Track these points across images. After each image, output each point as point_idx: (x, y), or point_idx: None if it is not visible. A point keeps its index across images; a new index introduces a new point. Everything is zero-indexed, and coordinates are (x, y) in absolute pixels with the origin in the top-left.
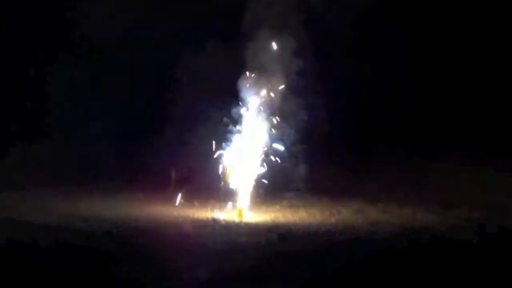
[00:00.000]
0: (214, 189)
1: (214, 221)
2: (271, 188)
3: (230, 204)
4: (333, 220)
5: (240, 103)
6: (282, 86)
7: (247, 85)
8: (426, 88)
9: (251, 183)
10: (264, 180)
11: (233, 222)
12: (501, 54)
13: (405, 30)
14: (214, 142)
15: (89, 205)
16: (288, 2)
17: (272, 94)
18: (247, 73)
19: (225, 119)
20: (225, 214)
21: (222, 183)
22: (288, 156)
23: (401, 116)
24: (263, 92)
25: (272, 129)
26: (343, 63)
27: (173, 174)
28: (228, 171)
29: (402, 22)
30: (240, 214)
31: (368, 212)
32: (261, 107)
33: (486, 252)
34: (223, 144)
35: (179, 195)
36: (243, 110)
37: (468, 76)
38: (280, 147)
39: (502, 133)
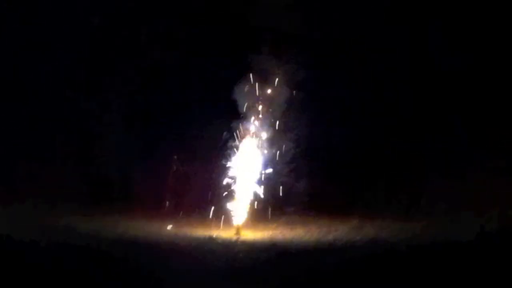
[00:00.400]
0: (212, 206)
1: (211, 239)
2: (268, 206)
3: (227, 221)
4: (331, 237)
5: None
6: (281, 100)
7: (247, 97)
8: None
9: (249, 201)
10: (261, 197)
11: (231, 240)
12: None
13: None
14: (213, 157)
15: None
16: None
17: (271, 109)
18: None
19: (225, 134)
20: (223, 231)
21: (220, 200)
22: (286, 172)
23: (401, 130)
24: (263, 105)
25: (270, 146)
26: (344, 76)
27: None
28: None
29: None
30: (237, 232)
31: (367, 229)
32: (259, 122)
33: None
34: (222, 160)
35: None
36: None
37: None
38: (274, 166)
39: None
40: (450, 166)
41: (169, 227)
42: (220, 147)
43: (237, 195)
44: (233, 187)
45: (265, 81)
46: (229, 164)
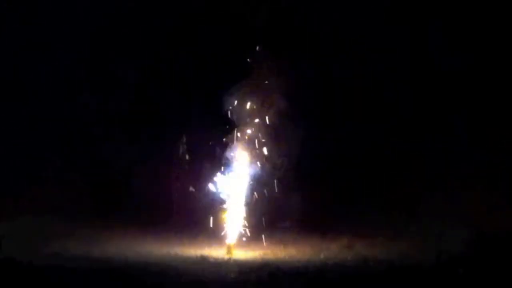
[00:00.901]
0: (203, 225)
1: (203, 258)
2: (260, 225)
3: (219, 240)
4: (322, 256)
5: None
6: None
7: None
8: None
9: (241, 220)
10: (253, 216)
11: (222, 259)
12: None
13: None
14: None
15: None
16: None
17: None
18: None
19: (217, 149)
20: (214, 251)
21: (212, 219)
22: (278, 191)
23: (393, 150)
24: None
25: (262, 164)
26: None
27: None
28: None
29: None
30: (229, 251)
31: (358, 248)
32: (251, 141)
33: None
34: (214, 178)
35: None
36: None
37: None
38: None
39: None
40: (442, 185)
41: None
42: (211, 166)
43: (228, 213)
44: (224, 206)
45: (258, 91)
46: (220, 183)
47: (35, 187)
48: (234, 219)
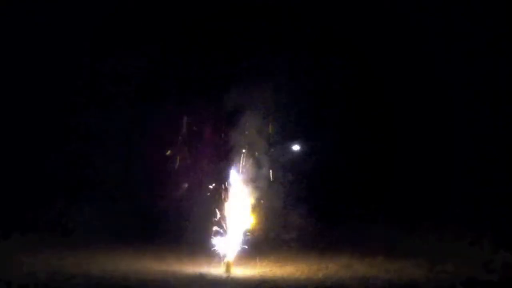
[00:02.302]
0: (203, 243)
1: (202, 276)
2: (259, 243)
3: (218, 258)
4: (320, 275)
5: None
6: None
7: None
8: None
9: (239, 238)
10: (252, 234)
11: (221, 277)
12: None
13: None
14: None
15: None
16: None
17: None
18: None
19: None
20: (213, 268)
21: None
22: (277, 210)
23: (389, 172)
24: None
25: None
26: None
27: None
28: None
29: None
30: (228, 269)
31: (356, 267)
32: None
33: None
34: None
35: None
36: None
37: None
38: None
39: None
40: (441, 204)
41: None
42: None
43: (227, 232)
44: (223, 224)
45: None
46: (220, 202)
47: None
48: (233, 237)
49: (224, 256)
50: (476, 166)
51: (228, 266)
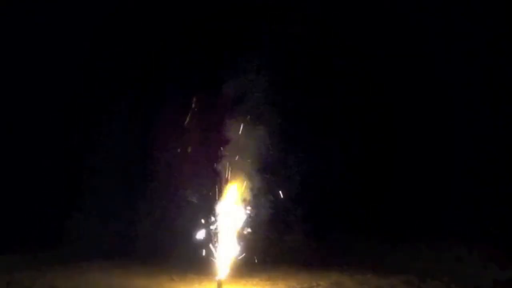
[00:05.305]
0: (193, 261)
1: None
2: (250, 261)
3: (209, 277)
4: None
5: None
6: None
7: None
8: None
9: (231, 256)
10: (242, 252)
11: None
12: None
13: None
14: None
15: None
16: None
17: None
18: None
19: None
20: (204, 287)
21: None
22: (267, 228)
23: (380, 186)
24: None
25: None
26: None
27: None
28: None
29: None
30: (219, 287)
31: (347, 284)
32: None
33: None
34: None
35: None
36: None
37: None
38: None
39: None
40: (430, 225)
41: None
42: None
43: (218, 250)
44: (214, 242)
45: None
46: (210, 219)
47: None
48: (224, 255)
49: (216, 275)
50: (472, 181)
51: (219, 285)
